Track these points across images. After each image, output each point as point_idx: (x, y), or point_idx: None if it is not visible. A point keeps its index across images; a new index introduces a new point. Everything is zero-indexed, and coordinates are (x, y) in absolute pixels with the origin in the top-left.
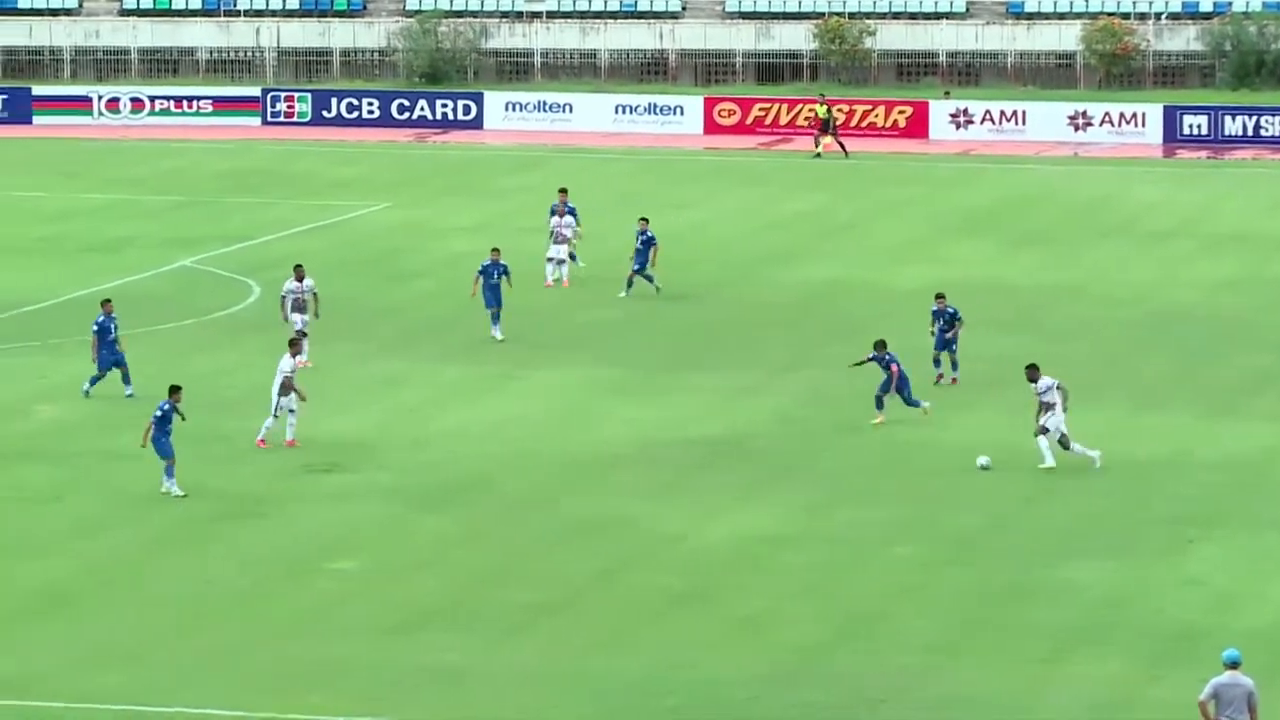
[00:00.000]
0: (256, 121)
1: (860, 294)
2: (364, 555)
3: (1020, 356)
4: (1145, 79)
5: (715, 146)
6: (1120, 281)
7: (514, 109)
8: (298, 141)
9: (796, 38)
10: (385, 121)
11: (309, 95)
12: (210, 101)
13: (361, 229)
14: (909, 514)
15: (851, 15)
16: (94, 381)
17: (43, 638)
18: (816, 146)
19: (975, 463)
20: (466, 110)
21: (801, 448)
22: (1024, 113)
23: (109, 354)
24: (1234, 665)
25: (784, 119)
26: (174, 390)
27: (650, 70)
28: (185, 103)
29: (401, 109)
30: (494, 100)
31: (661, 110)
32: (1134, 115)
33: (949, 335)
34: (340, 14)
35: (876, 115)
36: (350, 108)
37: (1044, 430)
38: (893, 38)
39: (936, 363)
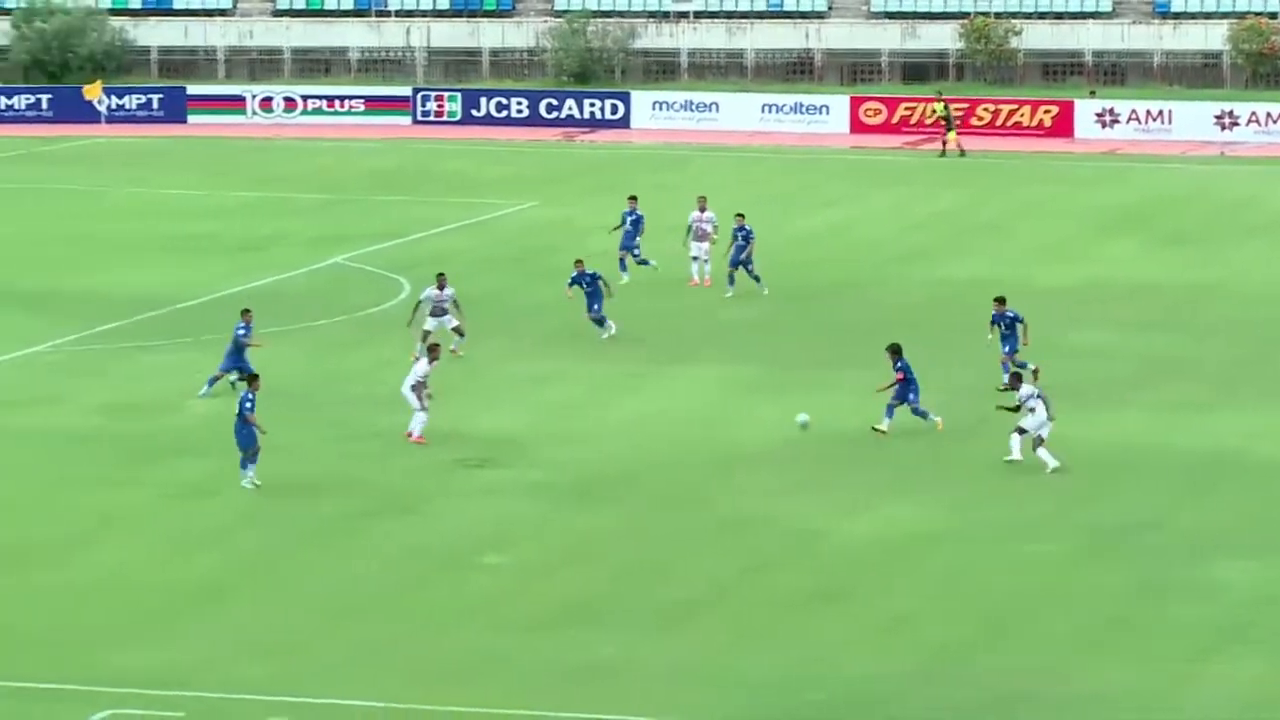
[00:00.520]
0: (407, 121)
1: (1002, 292)
2: (514, 550)
3: (1165, 355)
4: None
5: (860, 146)
6: (1266, 280)
7: (661, 108)
8: (447, 140)
9: (942, 37)
10: (533, 121)
11: (458, 95)
12: (361, 101)
13: (509, 227)
14: (1049, 511)
15: (998, 15)
16: (211, 382)
17: (197, 630)
18: (944, 145)
19: (796, 420)
20: (614, 109)
21: (941, 445)
22: (1170, 112)
23: (234, 360)
24: None
25: (929, 118)
26: (252, 379)
27: (796, 70)
28: (337, 102)
29: (550, 108)
30: (641, 99)
31: (807, 110)
32: None
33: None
34: (490, 14)
35: (1022, 115)
36: (499, 107)
37: (1021, 430)
38: (1038, 37)
39: (1005, 367)
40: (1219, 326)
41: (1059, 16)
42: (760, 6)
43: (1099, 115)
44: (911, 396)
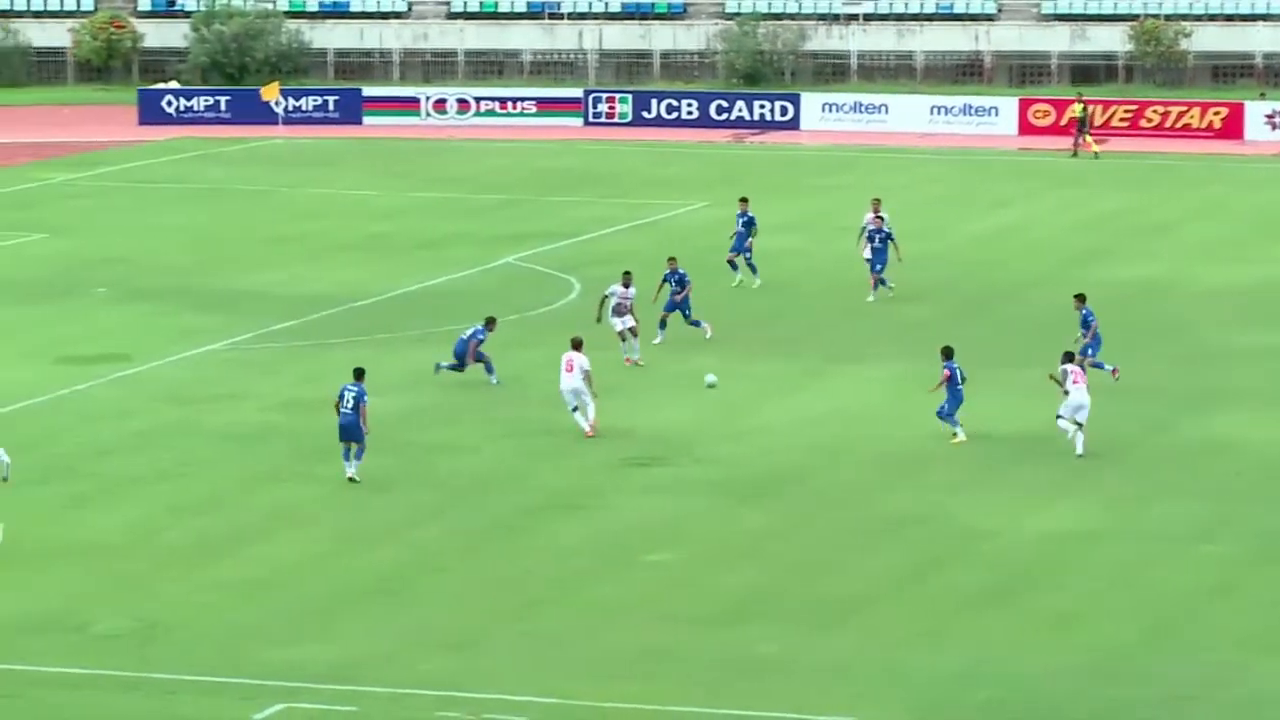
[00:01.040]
0: (578, 122)
1: (1172, 293)
2: (682, 547)
3: None
4: None
5: (1029, 147)
6: None
7: (830, 110)
8: (618, 142)
9: (1112, 39)
10: (703, 122)
11: (629, 96)
12: (534, 103)
13: (679, 227)
14: (1218, 511)
15: (1167, 17)
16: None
17: (371, 624)
18: (1081, 146)
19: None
20: (783, 111)
21: (1110, 444)
22: None
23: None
24: None
25: (1099, 120)
26: (359, 374)
27: (965, 72)
28: (509, 104)
29: (720, 110)
30: (810, 101)
31: (976, 111)
32: None
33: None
34: (661, 17)
35: (1191, 116)
36: (670, 109)
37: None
38: (1208, 39)
39: (1098, 365)
40: None
41: (1229, 18)
42: (930, 9)
43: (1269, 117)
44: (946, 404)
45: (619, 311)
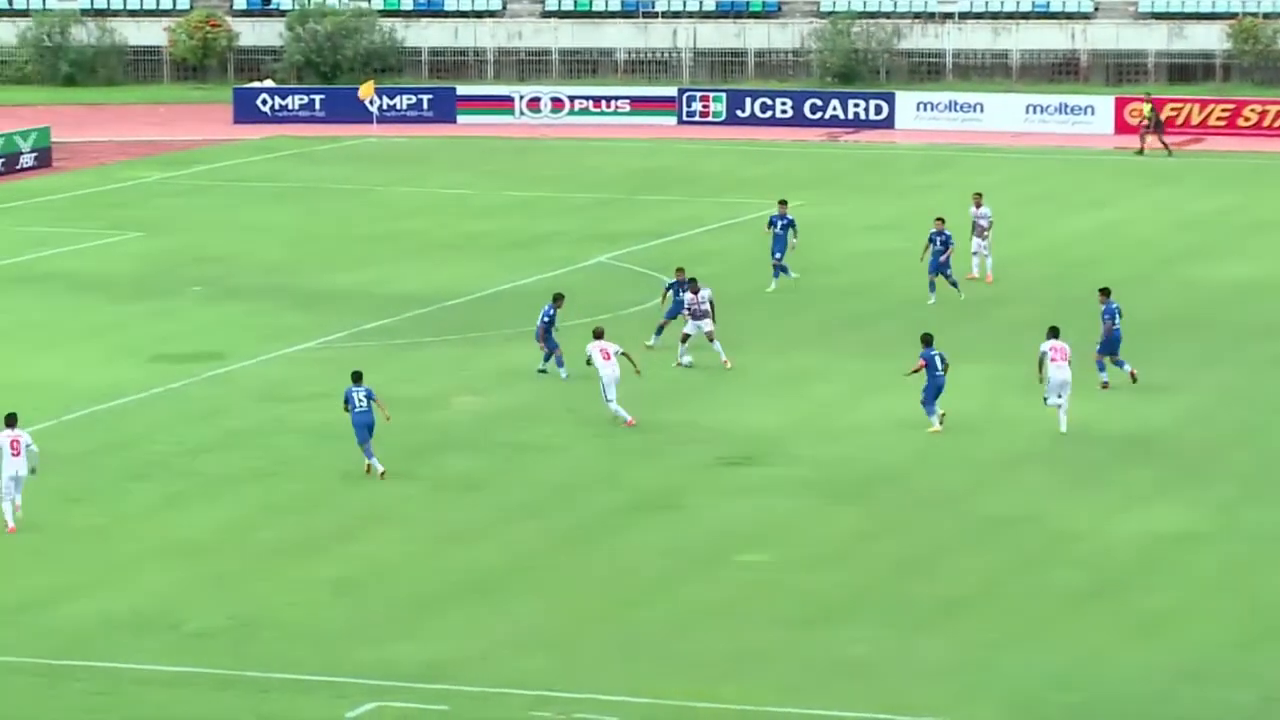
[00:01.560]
0: (672, 121)
1: (1271, 293)
2: (775, 547)
3: None
4: None
5: (1126, 146)
6: None
7: (925, 109)
8: (712, 140)
9: (1209, 38)
10: (797, 121)
11: (723, 95)
12: (628, 101)
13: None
14: None
15: (1266, 15)
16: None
17: (463, 624)
18: (1150, 145)
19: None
20: (878, 110)
21: (1212, 446)
22: None
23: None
24: None
25: (1195, 119)
26: (358, 377)
27: (1061, 70)
28: (603, 102)
29: (814, 109)
30: (905, 100)
31: (1072, 110)
32: None
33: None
34: (756, 15)
35: None
36: (764, 107)
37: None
38: None
39: (1119, 364)
40: None
41: None
42: (1025, 7)
43: None
44: (926, 390)
45: (697, 316)
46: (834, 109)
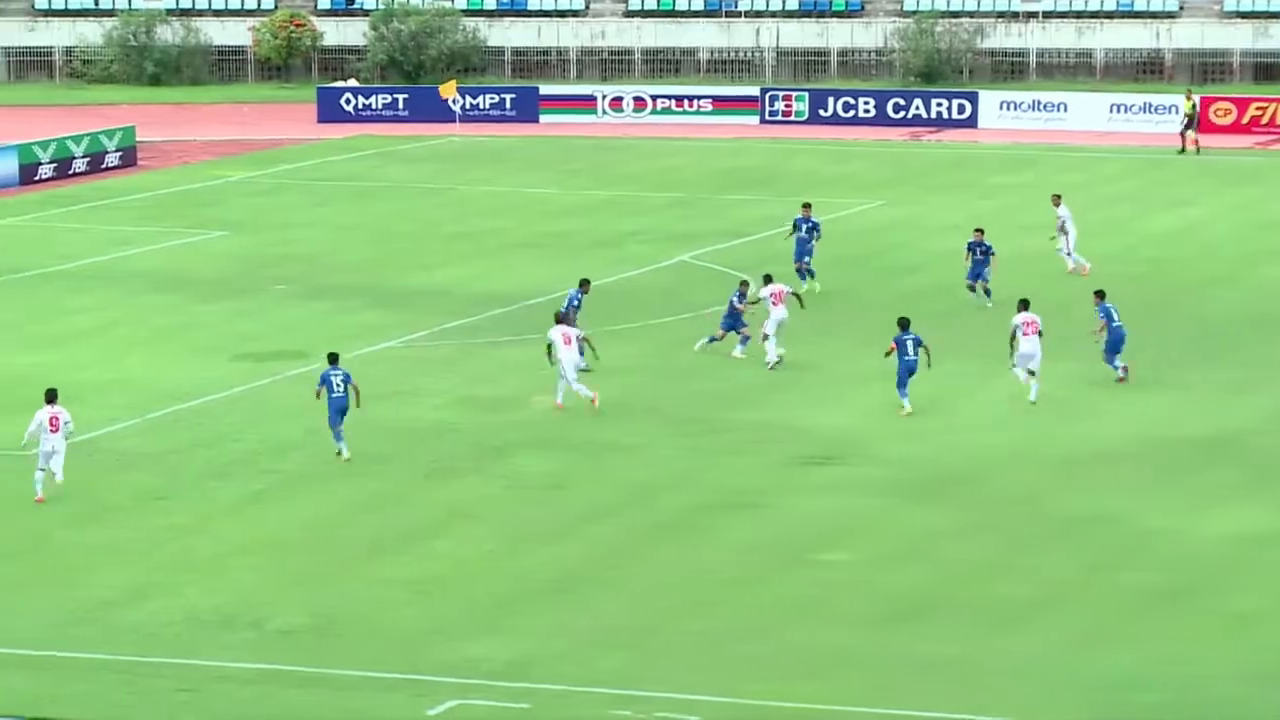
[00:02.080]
0: (754, 120)
1: None
2: (855, 546)
3: None
4: None
5: (1209, 146)
6: None
7: (1008, 108)
8: (794, 140)
9: None
10: (880, 120)
11: (806, 94)
12: (710, 100)
13: (855, 226)
14: None
15: None
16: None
17: (546, 622)
18: (1184, 142)
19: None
20: (961, 109)
21: None
22: None
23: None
24: None
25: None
26: (335, 358)
27: (1145, 69)
28: (686, 102)
29: (897, 108)
30: (989, 99)
31: (1156, 109)
32: None
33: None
34: (839, 14)
35: None
36: (846, 107)
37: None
38: None
39: (1112, 364)
40: None
41: None
42: (1110, 6)
43: None
44: (899, 373)
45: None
46: (917, 108)
